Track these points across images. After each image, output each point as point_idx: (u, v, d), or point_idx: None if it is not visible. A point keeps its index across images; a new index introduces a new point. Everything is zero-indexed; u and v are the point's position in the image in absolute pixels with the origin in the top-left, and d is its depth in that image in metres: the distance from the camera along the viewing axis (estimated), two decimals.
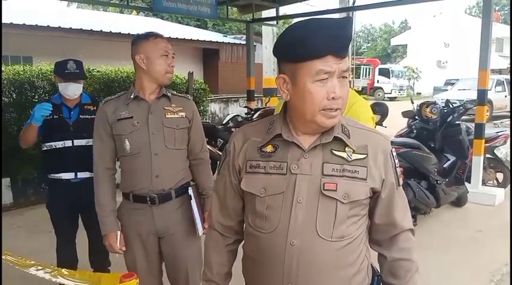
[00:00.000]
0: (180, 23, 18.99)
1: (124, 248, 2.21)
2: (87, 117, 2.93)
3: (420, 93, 30.45)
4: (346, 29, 1.10)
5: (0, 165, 2.90)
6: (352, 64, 11.65)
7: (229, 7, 7.97)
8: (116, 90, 7.22)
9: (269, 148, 1.22)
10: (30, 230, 4.77)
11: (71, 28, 9.52)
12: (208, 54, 14.34)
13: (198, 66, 14.24)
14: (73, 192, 2.88)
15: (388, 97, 27.45)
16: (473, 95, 5.75)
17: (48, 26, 8.96)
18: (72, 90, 2.86)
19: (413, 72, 33.46)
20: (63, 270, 1.92)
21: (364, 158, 1.20)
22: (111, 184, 2.23)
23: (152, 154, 2.09)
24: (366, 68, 30.89)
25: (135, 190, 2.14)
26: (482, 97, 5.53)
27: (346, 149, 1.20)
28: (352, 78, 11.41)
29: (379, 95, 28.44)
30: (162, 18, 18.48)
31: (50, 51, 8.74)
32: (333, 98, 1.12)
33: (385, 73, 29.79)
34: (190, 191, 2.19)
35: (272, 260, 1.18)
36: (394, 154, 1.27)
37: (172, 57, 2.14)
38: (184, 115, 2.17)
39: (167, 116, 2.12)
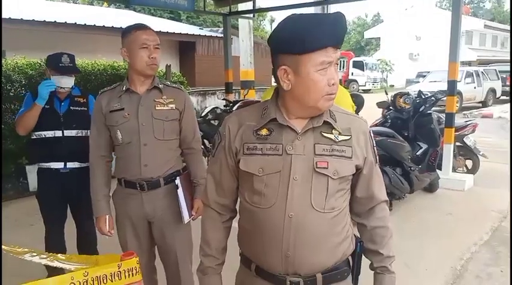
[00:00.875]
0: (153, 15, 18.80)
1: (112, 231, 2.31)
2: (77, 108, 2.99)
3: (393, 85, 31.02)
4: (343, 23, 1.24)
5: (0, 165, 2.93)
6: None
7: (205, 0, 8.00)
8: (93, 83, 7.20)
9: (264, 132, 1.33)
10: (12, 225, 4.75)
11: (44, 21, 9.36)
12: (185, 47, 14.28)
13: (174, 59, 14.17)
14: (62, 182, 2.93)
15: (362, 90, 27.83)
16: (444, 87, 5.97)
17: (21, 19, 8.79)
18: (66, 83, 2.91)
19: (387, 64, 34.00)
20: (58, 255, 1.98)
21: (349, 139, 1.34)
22: (105, 170, 2.31)
23: (141, 144, 2.17)
24: (341, 61, 31.18)
25: (126, 176, 2.23)
26: (452, 88, 5.76)
27: (333, 131, 1.33)
28: (337, 70, 11.56)
29: (353, 87, 28.79)
30: (134, 10, 18.26)
31: (24, 45, 8.59)
32: (333, 84, 1.26)
33: (359, 66, 30.17)
34: (177, 180, 2.27)
35: (271, 232, 1.30)
36: (372, 135, 1.42)
37: (156, 48, 2.18)
38: (174, 107, 2.23)
39: (157, 108, 2.19)
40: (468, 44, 33.98)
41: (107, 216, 2.30)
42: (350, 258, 1.41)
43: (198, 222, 1.72)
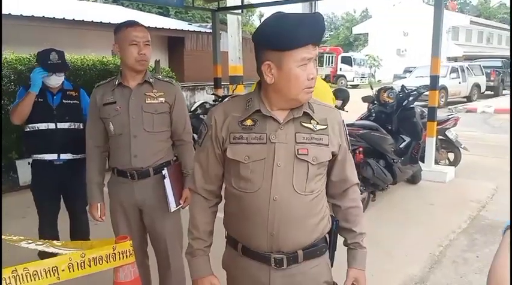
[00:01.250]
0: (141, 10, 18.74)
1: (104, 217, 2.45)
2: (69, 102, 3.10)
3: (380, 81, 31.31)
4: (321, 22, 1.37)
5: (0, 164, 3.03)
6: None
7: None
8: (83, 79, 7.25)
9: (249, 122, 1.45)
10: (3, 218, 4.81)
11: (33, 16, 9.34)
12: (174, 43, 14.29)
13: (163, 54, 14.18)
14: (56, 173, 3.03)
15: (350, 85, 28.09)
16: (428, 81, 6.14)
17: (9, 14, 8.77)
18: (55, 80, 3.01)
19: (374, 60, 34.28)
20: (54, 241, 2.08)
21: (325, 128, 1.47)
22: (100, 160, 2.43)
23: (131, 136, 2.29)
24: (329, 56, 31.40)
25: (118, 166, 2.35)
26: (434, 83, 5.94)
27: (312, 121, 1.46)
28: (316, 66, 11.69)
29: (341, 83, 29.02)
30: (122, 5, 18.18)
31: (12, 40, 8.57)
32: (312, 78, 1.38)
33: (347, 61, 30.41)
34: (165, 171, 2.37)
35: (257, 214, 1.42)
36: (345, 124, 1.55)
37: (146, 44, 2.28)
38: (164, 100, 2.33)
39: (147, 101, 2.30)
40: (454, 40, 34.34)
41: (99, 203, 2.43)
42: (327, 236, 1.54)
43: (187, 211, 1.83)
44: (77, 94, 3.16)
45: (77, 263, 1.61)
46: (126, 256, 1.77)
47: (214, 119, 1.50)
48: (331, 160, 1.51)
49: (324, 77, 29.69)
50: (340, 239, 1.62)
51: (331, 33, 58.02)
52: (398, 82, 17.07)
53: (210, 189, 1.58)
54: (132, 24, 2.28)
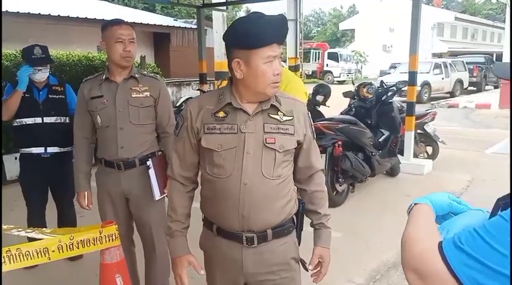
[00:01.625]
0: (127, 5, 18.67)
1: (91, 206, 2.59)
2: (55, 96, 3.22)
3: (367, 77, 31.61)
4: (285, 24, 1.52)
5: (0, 164, 3.14)
6: (301, 49, 12.13)
7: None
8: (68, 74, 7.31)
9: (221, 114, 1.60)
10: None
11: (18, 12, 9.34)
12: (159, 38, 14.34)
13: (149, 50, 14.23)
14: (43, 166, 3.15)
15: (337, 81, 28.29)
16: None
17: None
18: (40, 75, 3.13)
19: (361, 56, 34.52)
20: (43, 229, 2.21)
21: (291, 119, 1.62)
22: (87, 151, 2.57)
23: (118, 128, 2.43)
24: (316, 52, 31.61)
25: (105, 156, 2.49)
26: (412, 79, 6.13)
27: (279, 113, 1.61)
28: (301, 62, 11.88)
29: (328, 79, 29.21)
30: (107, 0, 18.10)
31: None
32: (277, 74, 1.53)
33: (334, 57, 30.59)
34: (149, 162, 2.52)
35: (229, 197, 1.57)
36: (310, 115, 1.71)
37: (131, 42, 2.42)
38: (149, 94, 2.48)
39: (133, 95, 2.44)
40: (440, 36, 34.75)
41: (86, 192, 2.57)
42: (294, 217, 1.70)
43: None
44: (62, 89, 3.29)
45: (66, 245, 1.75)
46: (112, 239, 1.91)
47: (190, 111, 1.64)
48: (297, 148, 1.66)
49: (310, 73, 30.04)
50: (307, 221, 1.79)
51: (319, 29, 58.25)
52: (384, 78, 17.36)
53: (187, 176, 1.72)
54: (118, 22, 2.42)
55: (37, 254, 1.64)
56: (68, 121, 3.26)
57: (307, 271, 1.76)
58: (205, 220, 1.73)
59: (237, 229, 1.59)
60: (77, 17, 10.48)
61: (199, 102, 1.66)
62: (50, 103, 3.18)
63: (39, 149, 3.15)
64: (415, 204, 1.07)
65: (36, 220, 3.29)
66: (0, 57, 3.38)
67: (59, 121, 3.21)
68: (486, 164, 6.58)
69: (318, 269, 1.76)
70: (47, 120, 3.16)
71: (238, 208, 1.56)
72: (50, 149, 3.16)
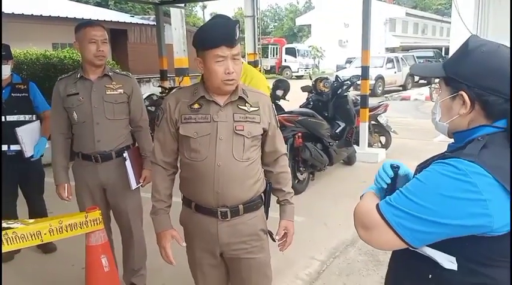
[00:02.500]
0: (79, 1, 18.30)
1: (70, 197, 2.73)
2: (18, 95, 3.31)
3: (324, 71, 32.30)
4: (233, 28, 1.73)
5: (0, 164, 3.19)
6: (259, 45, 12.37)
7: None
8: (26, 72, 7.25)
9: (196, 106, 1.83)
10: None
11: None
12: (116, 35, 14.21)
13: None
14: (9, 163, 3.23)
15: (295, 76, 28.71)
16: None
17: None
18: (2, 71, 3.18)
19: (318, 51, 35.20)
20: (25, 219, 2.35)
21: (257, 110, 1.87)
22: (64, 145, 2.71)
23: (94, 123, 2.59)
24: (274, 48, 31.99)
25: (83, 150, 2.65)
26: (365, 73, 6.53)
27: (246, 104, 1.85)
28: (259, 57, 12.13)
29: (287, 74, 29.63)
30: None
31: None
32: (228, 73, 1.75)
33: (291, 52, 31.04)
34: (125, 154, 2.69)
35: (205, 177, 1.80)
36: (273, 107, 1.96)
37: (104, 42, 2.58)
38: (122, 91, 2.65)
39: (107, 93, 2.61)
40: (392, 31, 35.91)
41: (66, 184, 2.71)
42: (262, 195, 1.95)
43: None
44: (25, 87, 3.37)
45: (56, 229, 1.93)
46: (97, 223, 2.09)
47: (168, 105, 1.87)
48: (263, 135, 1.91)
49: (269, 68, 30.43)
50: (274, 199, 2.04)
51: (276, 24, 58.72)
52: (339, 73, 17.95)
53: (168, 161, 1.94)
54: (91, 24, 2.59)
55: (31, 236, 1.81)
56: (34, 118, 3.36)
57: (274, 241, 2.02)
58: (184, 199, 1.95)
59: (212, 205, 1.83)
60: (32, 14, 10.30)
61: (176, 96, 1.89)
62: (12, 101, 3.25)
63: (3, 147, 3.21)
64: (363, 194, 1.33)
65: (7, 215, 3.35)
66: (0, 63, 3.37)
67: (22, 119, 3.29)
68: (433, 151, 6.93)
69: (284, 239, 2.02)
70: (9, 118, 3.23)
71: (213, 186, 1.79)
72: (13, 147, 3.24)
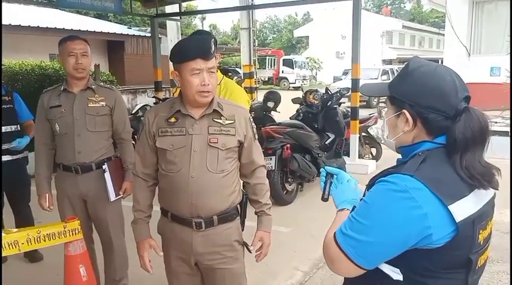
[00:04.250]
0: (79, 13, 18.45)
1: (52, 207, 2.78)
2: (4, 106, 3.38)
3: (321, 83, 32.46)
4: (209, 42, 1.81)
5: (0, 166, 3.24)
6: (255, 57, 12.47)
7: (132, 1, 8.31)
8: (21, 83, 7.31)
9: (173, 120, 1.89)
10: None
11: None
12: (113, 46, 14.35)
13: (103, 58, 14.20)
14: None
15: (293, 87, 28.81)
16: (362, 83, 6.73)
17: None
18: None
19: (315, 62, 35.47)
20: (8, 229, 2.39)
21: (233, 122, 1.93)
22: (47, 156, 2.76)
23: (75, 135, 2.64)
24: (271, 59, 32.22)
25: (63, 161, 2.70)
26: (355, 86, 6.60)
27: (222, 117, 1.91)
28: (255, 69, 12.24)
29: (284, 85, 29.78)
30: (59, 8, 17.80)
31: None
32: (203, 85, 1.81)
33: (289, 64, 31.22)
34: (105, 166, 2.73)
35: (180, 188, 1.86)
36: (251, 119, 2.02)
37: (84, 55, 2.64)
38: (105, 104, 2.71)
39: (89, 105, 2.67)
40: (389, 43, 36.24)
41: (47, 194, 2.76)
42: (238, 206, 2.00)
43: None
44: (10, 98, 3.45)
45: (34, 238, 1.97)
46: (75, 233, 2.14)
47: (148, 118, 1.94)
48: (240, 147, 1.96)
49: (266, 79, 30.59)
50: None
51: (274, 35, 59.13)
52: (336, 84, 18.08)
53: (147, 172, 2.01)
54: (71, 38, 2.67)
55: (9, 246, 1.85)
56: (18, 128, 3.42)
57: (250, 252, 2.07)
58: (162, 209, 2.01)
59: (187, 215, 1.88)
60: (29, 25, 10.40)
61: (155, 111, 1.97)
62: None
63: None
64: (339, 210, 1.35)
65: None
66: (0, 61, 3.43)
67: (9, 130, 3.36)
68: None
69: (260, 250, 2.07)
70: None
71: (188, 197, 1.85)
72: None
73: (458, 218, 1.05)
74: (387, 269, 1.16)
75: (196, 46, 1.80)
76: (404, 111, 1.19)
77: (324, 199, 1.43)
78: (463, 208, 1.07)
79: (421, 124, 1.18)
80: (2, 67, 7.15)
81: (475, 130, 1.10)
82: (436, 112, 1.15)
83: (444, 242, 1.07)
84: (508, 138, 6.55)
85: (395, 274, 1.14)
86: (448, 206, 1.05)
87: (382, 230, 1.08)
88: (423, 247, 1.08)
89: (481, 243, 1.13)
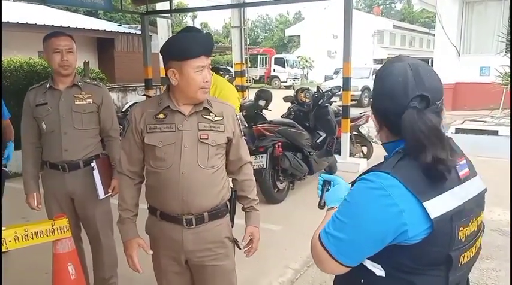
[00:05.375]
0: (68, 9, 18.27)
1: (40, 206, 2.74)
2: None
3: (312, 82, 32.50)
4: (210, 39, 1.83)
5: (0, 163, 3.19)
6: (246, 55, 12.45)
7: None
8: (10, 80, 7.21)
9: (161, 116, 1.87)
10: None
11: None
12: (103, 44, 14.22)
13: (92, 55, 14.07)
14: None
15: (284, 86, 28.88)
16: (353, 82, 6.76)
17: None
18: None
19: (306, 61, 35.53)
20: None
21: (221, 119, 1.92)
22: (34, 155, 2.72)
23: (62, 132, 2.61)
24: (263, 58, 32.21)
25: (50, 159, 2.66)
26: (346, 84, 6.61)
27: (211, 114, 1.90)
28: (247, 67, 12.22)
29: (276, 84, 29.83)
30: (47, 5, 17.62)
31: None
32: (206, 81, 1.81)
33: (280, 62, 31.28)
34: (93, 163, 2.70)
35: (171, 185, 1.83)
36: (238, 116, 2.01)
37: (69, 52, 2.59)
38: (92, 101, 2.67)
39: (76, 102, 2.63)
40: (380, 43, 36.41)
41: (35, 193, 2.72)
42: (228, 203, 1.99)
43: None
44: None
45: (21, 236, 1.94)
46: (64, 231, 2.11)
47: (134, 115, 1.91)
48: (228, 144, 1.95)
49: (258, 78, 30.58)
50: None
51: (266, 34, 59.11)
52: (327, 83, 18.11)
53: (134, 170, 1.97)
54: (55, 34, 2.62)
55: None
56: None
57: (240, 249, 2.05)
58: (150, 207, 1.98)
59: (178, 213, 1.86)
60: (17, 22, 10.28)
61: (142, 107, 1.94)
62: None
63: None
64: (328, 209, 1.37)
65: None
66: (0, 59, 3.35)
67: None
68: None
69: (250, 245, 2.06)
70: None
71: (178, 194, 1.83)
72: None
73: (433, 214, 1.07)
74: (370, 265, 1.17)
75: (200, 43, 1.79)
76: (369, 113, 1.21)
77: (321, 207, 1.43)
78: (439, 205, 1.08)
79: (384, 125, 1.22)
80: None
81: (422, 129, 1.09)
82: (390, 113, 1.17)
83: (420, 239, 1.08)
84: (507, 137, 6.59)
85: (378, 270, 1.16)
86: (423, 203, 1.07)
87: (360, 228, 1.10)
88: (401, 243, 1.10)
89: (463, 240, 1.13)
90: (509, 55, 9.27)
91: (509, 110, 9.23)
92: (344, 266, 1.14)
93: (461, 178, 1.16)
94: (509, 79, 9.64)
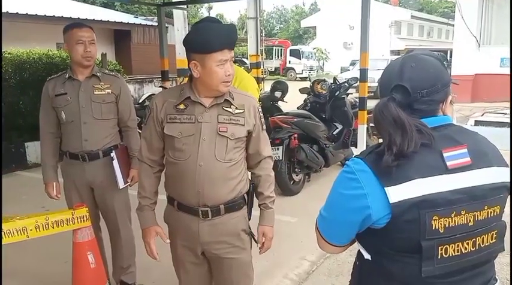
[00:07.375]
0: (85, 1, 18.39)
1: (59, 195, 2.77)
2: None
3: (328, 73, 32.28)
4: (235, 32, 1.80)
5: (0, 161, 3.26)
6: (262, 47, 12.36)
7: None
8: (28, 72, 7.32)
9: (182, 106, 1.87)
10: None
11: None
12: (120, 35, 14.27)
13: (109, 47, 14.15)
14: None
15: (300, 78, 28.67)
16: (370, 74, 6.67)
17: None
18: None
19: (322, 53, 35.24)
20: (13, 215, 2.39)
21: (242, 112, 1.90)
22: (53, 145, 2.76)
23: (82, 122, 2.63)
24: (278, 49, 32.05)
25: (70, 149, 2.70)
26: (364, 75, 6.50)
27: (231, 106, 1.89)
28: (262, 59, 12.17)
29: (291, 75, 29.66)
30: None
31: None
32: (228, 75, 1.80)
33: (296, 54, 31.05)
34: (113, 153, 2.73)
35: (188, 176, 1.84)
36: (260, 109, 1.99)
37: (91, 43, 2.62)
38: (110, 91, 2.69)
39: (95, 93, 2.65)
40: (397, 34, 35.86)
41: (54, 183, 2.76)
42: (245, 195, 1.97)
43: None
44: None
45: (42, 225, 1.97)
46: (84, 220, 2.14)
47: (155, 104, 1.91)
48: (248, 137, 1.94)
49: (273, 70, 30.47)
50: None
51: (281, 25, 58.73)
52: (343, 75, 17.96)
53: (153, 158, 1.98)
54: (78, 25, 2.63)
55: (17, 232, 1.85)
56: None
57: (257, 243, 2.05)
58: (168, 197, 1.99)
59: (194, 204, 1.86)
60: (36, 14, 10.38)
61: (163, 96, 1.93)
62: None
63: None
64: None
65: None
66: (0, 57, 3.40)
67: None
68: None
69: (263, 243, 2.04)
70: None
71: (195, 185, 1.83)
72: None
73: (393, 199, 1.09)
74: (360, 248, 1.27)
75: (223, 36, 1.76)
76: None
77: None
78: (403, 191, 1.09)
79: None
80: (10, 55, 7.19)
81: (380, 117, 1.15)
82: None
83: (384, 223, 1.12)
84: None
85: (366, 253, 1.24)
86: (385, 188, 1.09)
87: (332, 207, 1.23)
88: (372, 227, 1.15)
89: (440, 231, 1.09)
90: None
91: None
92: (333, 245, 1.27)
93: (451, 167, 1.11)
94: None
